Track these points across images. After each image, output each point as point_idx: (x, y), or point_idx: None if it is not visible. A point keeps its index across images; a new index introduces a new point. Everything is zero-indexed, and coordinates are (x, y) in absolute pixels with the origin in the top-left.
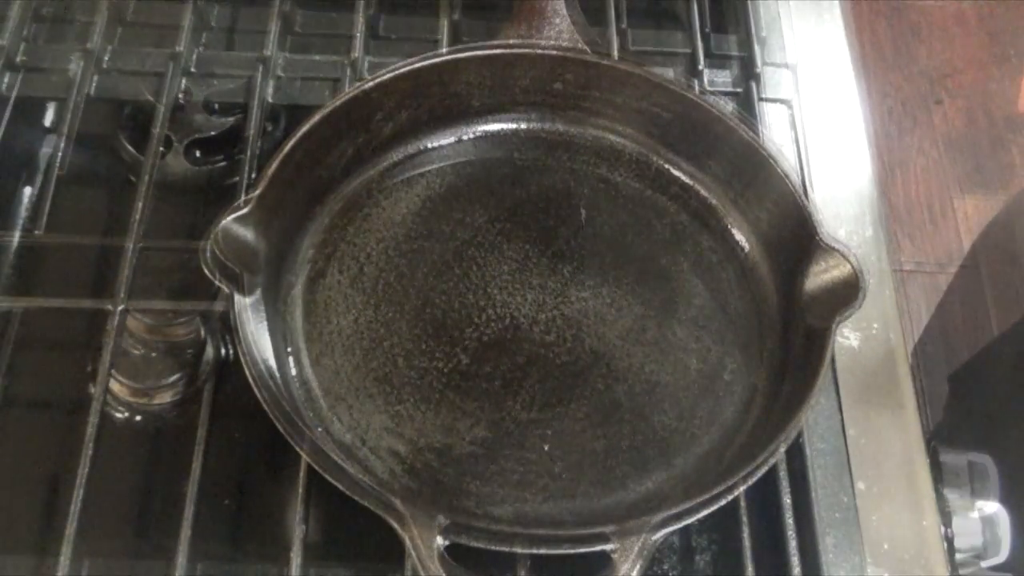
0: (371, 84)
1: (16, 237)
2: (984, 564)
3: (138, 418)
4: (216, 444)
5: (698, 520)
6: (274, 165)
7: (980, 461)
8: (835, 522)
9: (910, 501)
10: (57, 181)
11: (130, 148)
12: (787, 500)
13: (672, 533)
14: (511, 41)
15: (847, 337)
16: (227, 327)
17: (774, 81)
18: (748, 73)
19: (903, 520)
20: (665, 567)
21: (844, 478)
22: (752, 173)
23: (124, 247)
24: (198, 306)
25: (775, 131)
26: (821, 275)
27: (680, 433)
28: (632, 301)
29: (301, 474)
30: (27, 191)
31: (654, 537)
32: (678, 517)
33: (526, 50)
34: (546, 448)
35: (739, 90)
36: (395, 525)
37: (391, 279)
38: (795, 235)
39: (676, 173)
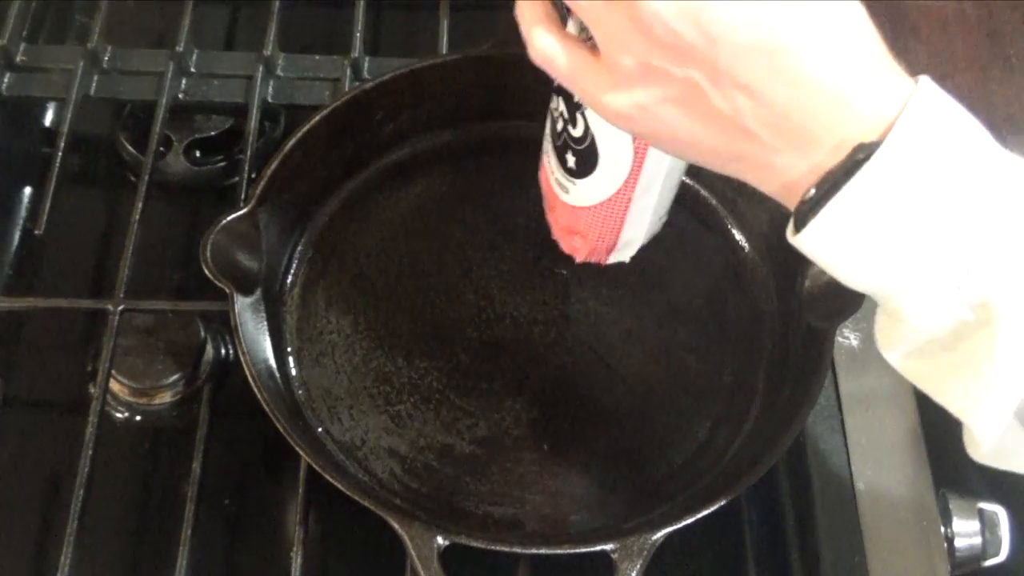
0: (371, 84)
1: (16, 237)
2: (984, 564)
3: (138, 418)
4: (216, 444)
5: (698, 520)
6: (274, 165)
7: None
8: (835, 522)
9: (910, 501)
10: (57, 181)
11: (130, 148)
12: (787, 500)
13: (672, 533)
14: (511, 41)
15: (847, 337)
16: (227, 327)
17: None
18: None
19: (903, 520)
20: (665, 567)
21: (844, 478)
22: None
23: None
24: (198, 306)
25: None
26: (821, 275)
27: (680, 433)
28: (632, 301)
29: (301, 474)
30: (27, 191)
31: (654, 537)
32: (678, 517)
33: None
34: (546, 448)
35: None
36: (395, 525)
37: (391, 279)
38: None
39: None
